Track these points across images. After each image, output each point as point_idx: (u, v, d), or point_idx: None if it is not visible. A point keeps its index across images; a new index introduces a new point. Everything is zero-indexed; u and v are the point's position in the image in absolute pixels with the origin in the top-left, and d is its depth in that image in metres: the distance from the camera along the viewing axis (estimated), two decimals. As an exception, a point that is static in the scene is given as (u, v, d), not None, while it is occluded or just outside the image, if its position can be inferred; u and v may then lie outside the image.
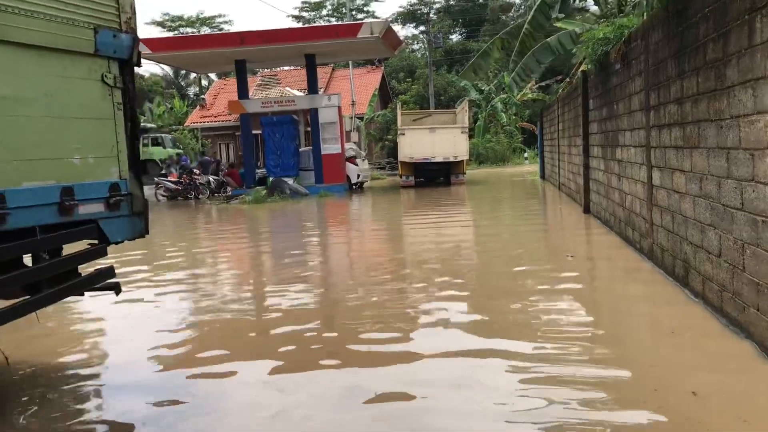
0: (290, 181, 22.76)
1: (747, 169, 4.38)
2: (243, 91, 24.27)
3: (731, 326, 4.74)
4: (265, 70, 42.24)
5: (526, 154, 39.83)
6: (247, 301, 7.18)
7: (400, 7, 68.57)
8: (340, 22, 45.33)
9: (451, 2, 59.98)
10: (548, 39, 15.80)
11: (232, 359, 4.93)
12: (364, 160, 26.74)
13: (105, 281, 4.61)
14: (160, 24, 59.57)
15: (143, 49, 21.69)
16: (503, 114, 39.43)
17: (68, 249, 4.39)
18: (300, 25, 54.02)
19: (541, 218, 13.99)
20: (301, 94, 28.71)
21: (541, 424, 3.49)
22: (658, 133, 6.82)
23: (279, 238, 13.16)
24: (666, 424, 3.44)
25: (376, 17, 54.26)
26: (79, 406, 4.14)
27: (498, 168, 35.32)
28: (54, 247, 4.22)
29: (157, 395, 4.23)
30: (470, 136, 31.20)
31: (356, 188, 24.54)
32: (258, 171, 24.97)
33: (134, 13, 4.65)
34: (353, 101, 34.99)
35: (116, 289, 4.75)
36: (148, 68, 72.83)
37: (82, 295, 4.74)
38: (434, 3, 60.56)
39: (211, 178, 24.82)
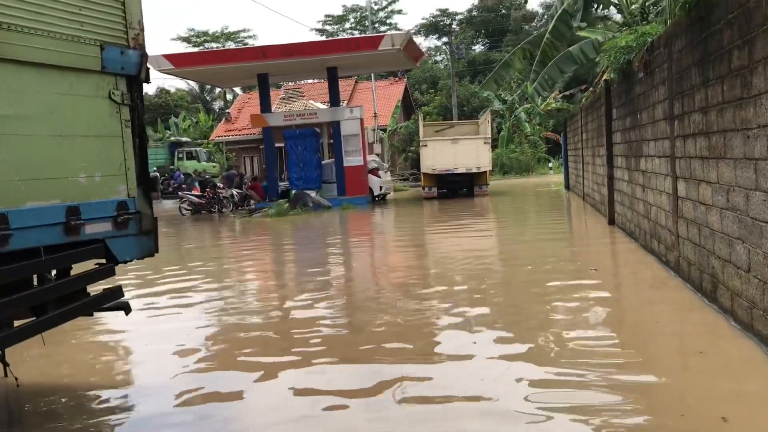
0: (313, 193, 22.74)
1: (776, 180, 4.18)
2: (265, 105, 24.37)
3: (763, 345, 4.52)
4: (289, 83, 42.52)
5: (550, 164, 39.45)
6: (271, 316, 7.08)
7: (423, 18, 68.59)
8: (361, 35, 45.49)
9: (474, 13, 59.93)
10: (570, 48, 15.61)
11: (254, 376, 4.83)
12: (386, 171, 26.65)
13: (114, 301, 4.54)
14: (186, 39, 60.47)
15: (167, 65, 22.08)
16: (527, 124, 39.13)
17: (82, 268, 4.34)
18: (323, 38, 54.30)
19: (565, 230, 13.74)
20: (323, 106, 28.75)
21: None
22: (682, 143, 6.60)
23: (300, 251, 13.09)
24: (692, 453, 3.25)
25: (399, 29, 54.30)
26: None
27: (522, 178, 35.00)
28: (61, 268, 4.16)
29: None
30: (494, 147, 30.99)
31: (379, 200, 24.45)
32: (281, 184, 25.01)
33: (142, 29, 4.60)
34: (375, 113, 34.99)
35: (126, 308, 4.67)
36: (173, 83, 74.08)
37: (91, 315, 4.67)
38: (457, 14, 60.62)
39: (234, 191, 24.92)
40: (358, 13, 59.53)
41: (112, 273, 4.44)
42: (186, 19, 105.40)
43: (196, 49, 53.28)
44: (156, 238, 4.70)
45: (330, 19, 60.84)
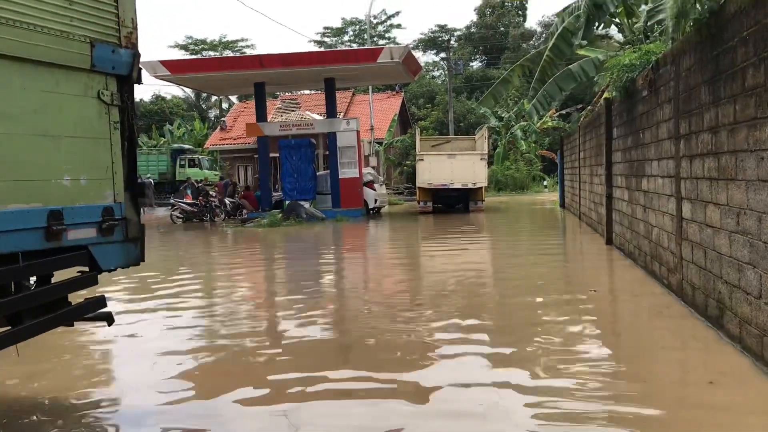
0: (307, 204, 22.53)
1: (793, 204, 4.00)
2: (261, 114, 24.19)
3: (774, 376, 4.33)
4: (286, 93, 42.41)
5: (545, 182, 39.42)
6: (256, 332, 6.85)
7: (422, 34, 68.86)
8: (360, 47, 45.52)
9: (472, 30, 60.14)
10: (570, 66, 15.50)
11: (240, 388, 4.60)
12: (381, 185, 26.49)
13: (96, 311, 4.31)
14: (184, 47, 60.33)
15: (163, 71, 21.89)
16: (523, 141, 39.13)
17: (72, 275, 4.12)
18: (321, 50, 54.28)
19: (562, 249, 13.55)
20: (320, 117, 28.61)
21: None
22: (689, 164, 6.44)
23: (291, 264, 12.85)
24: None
25: (397, 44, 54.37)
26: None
27: (517, 196, 34.91)
28: (40, 275, 3.93)
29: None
30: (489, 163, 30.90)
31: (373, 213, 24.25)
32: (275, 194, 24.80)
33: (135, 27, 4.40)
34: (372, 126, 34.88)
35: (108, 319, 4.44)
36: (169, 90, 73.91)
37: (72, 325, 4.44)
38: (455, 30, 60.82)
39: (227, 200, 24.69)
40: (357, 26, 59.67)
41: (95, 282, 4.21)
42: (185, 28, 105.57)
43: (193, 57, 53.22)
44: (143, 246, 4.48)
45: (329, 31, 60.94)
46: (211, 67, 23.45)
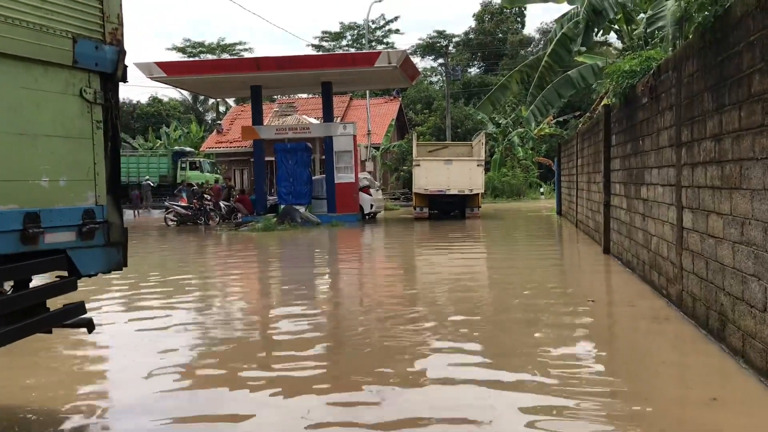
0: (302, 209, 22.33)
1: (802, 215, 3.85)
2: (257, 117, 24.02)
3: (779, 393, 4.17)
4: (283, 97, 42.24)
5: (542, 189, 39.31)
6: (247, 338, 6.67)
7: (420, 39, 68.70)
8: (357, 51, 45.42)
9: (471, 36, 60.11)
10: (569, 72, 15.39)
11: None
12: (378, 190, 26.31)
13: (75, 317, 4.14)
14: (181, 50, 60.18)
15: (158, 72, 21.72)
16: (520, 148, 39.02)
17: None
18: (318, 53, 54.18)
19: (558, 257, 13.39)
20: (316, 122, 28.45)
21: None
22: (690, 172, 6.30)
23: (284, 269, 12.67)
24: None
25: (396, 48, 54.30)
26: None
27: (514, 202, 34.76)
28: (13, 279, 3.76)
29: None
30: (486, 170, 30.75)
31: (369, 218, 24.08)
32: (270, 198, 24.59)
33: (121, 24, 4.24)
34: (369, 131, 34.74)
35: (89, 326, 4.27)
36: (166, 93, 73.78)
37: (50, 332, 4.25)
38: (453, 36, 60.81)
39: (222, 203, 24.49)
40: (356, 31, 59.58)
41: (74, 287, 4.04)
42: (184, 31, 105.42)
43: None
44: (125, 251, 4.32)
45: (327, 35, 60.82)
46: (207, 69, 23.28)
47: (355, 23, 59.65)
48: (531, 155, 39.60)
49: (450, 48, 56.98)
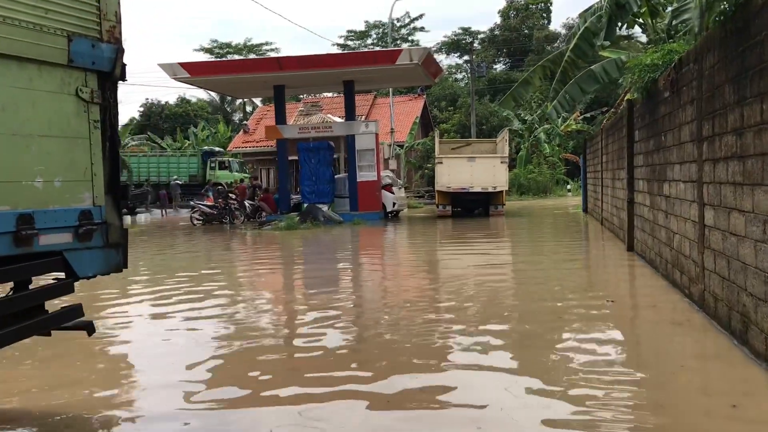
0: (325, 207, 22.32)
1: (824, 212, 3.65)
2: (281, 117, 24.06)
3: (802, 399, 3.96)
4: (308, 96, 42.33)
5: (569, 186, 38.80)
6: (273, 338, 6.61)
7: (445, 36, 68.33)
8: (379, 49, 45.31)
9: (496, 32, 59.61)
10: (592, 67, 15.08)
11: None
12: (400, 188, 26.19)
13: (74, 320, 4.09)
14: (209, 51, 60.62)
15: (182, 73, 21.85)
16: (546, 145, 38.55)
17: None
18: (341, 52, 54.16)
19: (582, 255, 13.13)
20: (340, 120, 28.42)
21: None
22: (712, 168, 6.07)
23: (305, 268, 12.62)
24: None
25: (419, 46, 54.09)
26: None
27: (539, 200, 34.33)
28: (8, 282, 3.71)
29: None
30: (511, 167, 30.42)
31: (392, 217, 23.97)
32: (294, 197, 24.64)
33: (119, 21, 4.18)
34: (392, 129, 34.61)
35: (89, 328, 4.22)
36: (195, 93, 74.43)
37: (49, 335, 4.22)
38: (479, 33, 60.32)
39: (246, 202, 24.58)
40: (381, 30, 59.38)
41: (71, 289, 3.99)
42: (211, 33, 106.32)
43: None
44: (125, 252, 4.26)
45: (352, 34, 60.76)
46: (229, 69, 23.38)
47: (380, 22, 59.50)
48: (558, 152, 39.10)
49: (475, 45, 56.52)
